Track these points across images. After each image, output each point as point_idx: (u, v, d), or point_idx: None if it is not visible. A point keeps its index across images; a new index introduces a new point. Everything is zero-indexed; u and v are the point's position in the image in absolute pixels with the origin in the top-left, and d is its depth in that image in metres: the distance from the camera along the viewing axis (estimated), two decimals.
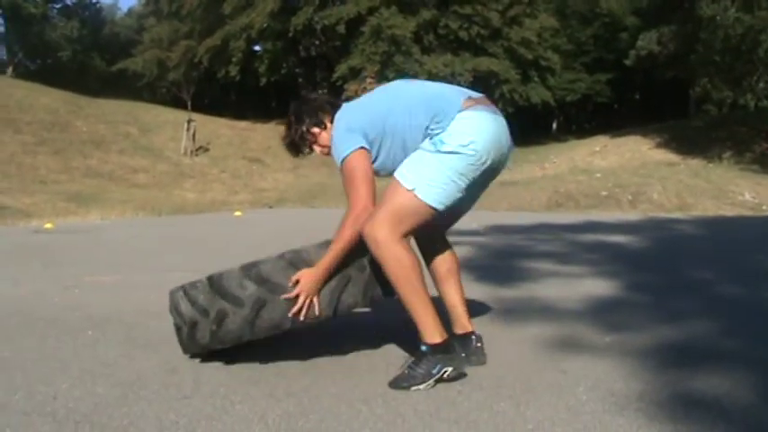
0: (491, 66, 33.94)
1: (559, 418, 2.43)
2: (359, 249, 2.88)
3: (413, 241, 3.04)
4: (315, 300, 2.88)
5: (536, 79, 36.51)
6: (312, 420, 2.43)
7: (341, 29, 35.34)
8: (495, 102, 3.16)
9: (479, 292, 5.08)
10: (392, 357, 3.21)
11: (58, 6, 54.96)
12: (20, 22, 49.72)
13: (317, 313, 2.90)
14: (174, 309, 3.08)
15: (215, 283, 2.92)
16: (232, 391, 2.74)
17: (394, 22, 33.04)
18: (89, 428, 2.34)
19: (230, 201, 22.88)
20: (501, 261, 7.28)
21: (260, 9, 36.47)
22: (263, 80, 40.21)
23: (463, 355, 3.00)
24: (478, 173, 2.86)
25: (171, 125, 33.30)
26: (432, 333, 2.79)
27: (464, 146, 2.78)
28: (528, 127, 38.36)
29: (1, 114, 28.10)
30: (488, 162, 2.86)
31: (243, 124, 37.54)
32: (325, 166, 31.20)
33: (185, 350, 3.13)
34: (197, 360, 3.17)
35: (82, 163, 26.55)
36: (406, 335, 3.35)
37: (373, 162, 2.91)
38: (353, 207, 2.80)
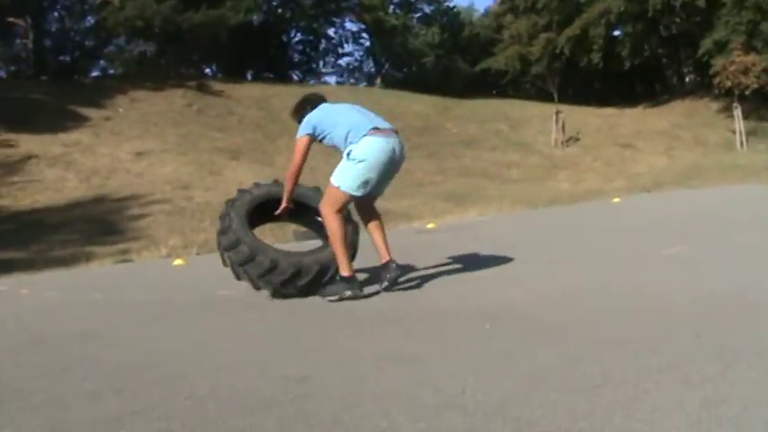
0: None
1: None
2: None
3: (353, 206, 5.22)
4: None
5: None
6: (735, 408, 2.32)
7: (701, 3, 33.81)
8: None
9: None
10: None
11: (417, 15, 57.14)
12: (383, 35, 52.55)
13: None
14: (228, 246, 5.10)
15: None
16: (644, 379, 2.66)
17: None
18: (501, 421, 2.36)
19: (605, 188, 22.61)
20: None
21: None
22: (627, 64, 40.13)
23: (387, 275, 4.99)
24: (373, 174, 4.91)
25: (538, 118, 34.19)
26: (344, 269, 4.85)
27: (359, 160, 4.85)
28: None
29: None
30: (378, 167, 4.91)
31: (610, 111, 37.43)
32: (699, 145, 30.28)
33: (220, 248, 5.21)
34: (601, 351, 3.15)
35: (455, 163, 28.01)
36: None
37: (321, 140, 5.11)
38: (293, 163, 5.12)
